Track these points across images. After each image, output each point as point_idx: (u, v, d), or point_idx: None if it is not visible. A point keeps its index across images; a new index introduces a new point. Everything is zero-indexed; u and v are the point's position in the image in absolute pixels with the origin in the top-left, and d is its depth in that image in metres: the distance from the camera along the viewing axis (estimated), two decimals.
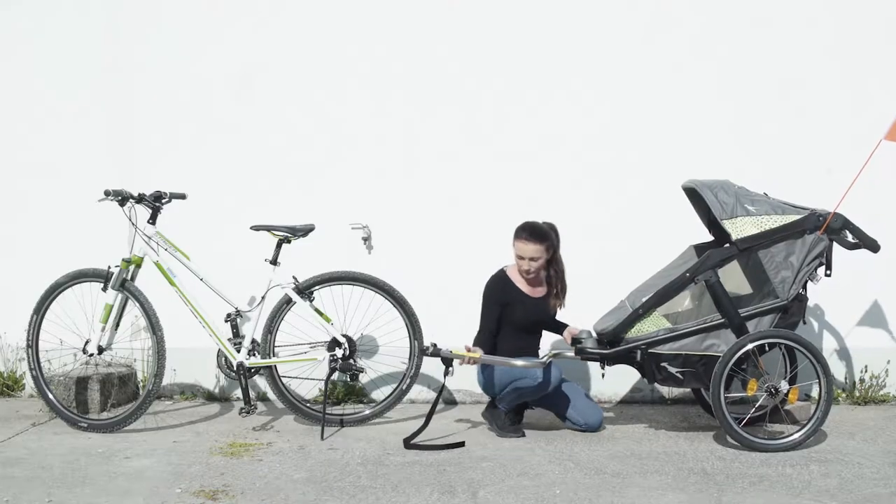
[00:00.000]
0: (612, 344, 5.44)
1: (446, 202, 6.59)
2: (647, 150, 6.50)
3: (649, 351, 5.36)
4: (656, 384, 5.85)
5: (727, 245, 5.42)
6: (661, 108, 6.50)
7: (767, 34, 6.46)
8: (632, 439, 5.52)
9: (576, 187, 6.52)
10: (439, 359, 5.44)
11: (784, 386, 5.30)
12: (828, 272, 5.39)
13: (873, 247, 5.37)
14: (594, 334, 5.55)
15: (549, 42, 6.54)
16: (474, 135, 6.58)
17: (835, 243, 5.37)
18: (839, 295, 6.35)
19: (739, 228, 5.30)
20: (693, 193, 5.64)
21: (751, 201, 5.35)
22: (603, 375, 5.57)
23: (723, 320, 5.30)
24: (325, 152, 6.66)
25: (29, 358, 5.94)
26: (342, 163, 6.64)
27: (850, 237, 5.37)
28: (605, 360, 5.47)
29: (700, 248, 5.69)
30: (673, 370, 5.37)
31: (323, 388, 5.86)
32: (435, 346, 5.47)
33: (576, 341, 5.54)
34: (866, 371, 6.40)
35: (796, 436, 5.23)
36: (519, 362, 5.45)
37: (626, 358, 5.43)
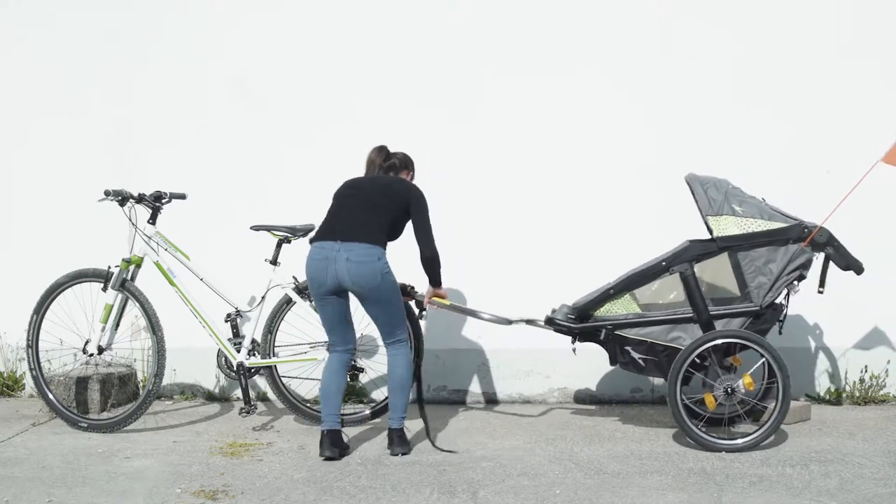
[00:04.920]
0: (581, 320, 5.48)
1: (446, 202, 6.59)
2: (659, 149, 6.50)
3: (615, 332, 5.41)
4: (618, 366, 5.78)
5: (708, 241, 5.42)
6: (672, 108, 6.51)
7: (781, 34, 6.47)
8: (632, 439, 5.52)
9: (581, 187, 6.53)
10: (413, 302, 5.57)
11: (740, 386, 5.28)
12: (820, 289, 5.41)
13: (857, 268, 5.38)
14: (568, 308, 5.59)
15: (554, 36, 6.55)
16: (476, 136, 6.59)
17: (832, 262, 5.37)
18: (840, 295, 6.35)
19: (722, 226, 5.32)
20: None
21: (739, 202, 5.35)
22: (574, 350, 5.58)
23: (691, 314, 5.32)
24: (325, 152, 6.66)
25: (29, 358, 5.93)
26: (342, 162, 6.62)
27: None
28: (574, 335, 5.51)
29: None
30: (636, 355, 5.41)
31: None
32: (413, 287, 5.55)
33: (552, 312, 5.59)
34: (866, 371, 6.40)
35: (753, 437, 5.21)
36: (486, 315, 5.54)
37: (592, 335, 5.48)
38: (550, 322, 5.54)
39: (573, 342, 5.55)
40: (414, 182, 5.44)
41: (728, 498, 4.48)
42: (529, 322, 5.63)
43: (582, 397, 6.52)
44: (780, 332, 5.54)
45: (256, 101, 6.68)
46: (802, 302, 6.34)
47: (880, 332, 6.45)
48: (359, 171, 6.54)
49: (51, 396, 5.92)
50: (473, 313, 5.63)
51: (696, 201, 5.40)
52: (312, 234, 5.39)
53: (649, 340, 5.39)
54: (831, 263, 5.41)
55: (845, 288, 6.31)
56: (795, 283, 5.36)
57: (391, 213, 5.23)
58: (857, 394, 6.37)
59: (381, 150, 5.44)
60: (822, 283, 5.42)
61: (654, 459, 5.10)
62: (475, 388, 6.57)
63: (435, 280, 5.35)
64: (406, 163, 5.47)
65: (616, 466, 4.98)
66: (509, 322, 5.61)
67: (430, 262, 5.28)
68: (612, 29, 6.54)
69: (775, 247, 5.29)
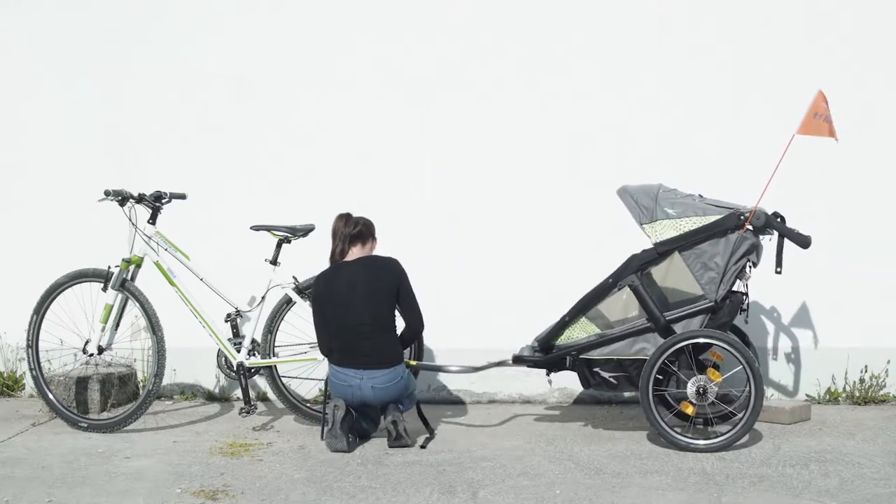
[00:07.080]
0: (545, 352, 5.52)
1: (446, 202, 6.60)
2: (659, 148, 6.49)
3: (581, 357, 5.44)
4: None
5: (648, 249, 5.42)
6: (672, 107, 6.50)
7: (781, 34, 6.47)
8: (632, 439, 5.52)
9: (581, 186, 6.53)
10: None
11: (712, 386, 5.25)
12: (778, 269, 5.37)
13: (802, 243, 5.32)
14: (533, 343, 5.62)
15: (554, 36, 6.55)
16: (476, 136, 6.59)
17: (787, 240, 5.34)
18: (840, 294, 6.36)
19: (659, 232, 5.33)
20: None
21: (671, 204, 5.35)
22: (550, 382, 5.73)
23: (650, 324, 5.33)
24: (326, 152, 6.66)
25: (29, 358, 5.94)
26: (342, 163, 6.64)
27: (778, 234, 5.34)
28: (545, 368, 5.57)
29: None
30: (606, 375, 5.44)
31: (323, 388, 5.86)
32: None
33: (519, 351, 5.65)
34: (866, 371, 6.39)
35: (724, 437, 5.21)
36: (454, 367, 5.74)
37: (560, 364, 5.51)
38: (518, 360, 5.59)
39: (548, 375, 5.62)
40: (377, 241, 5.57)
41: (728, 498, 4.48)
42: (499, 364, 5.69)
43: (582, 397, 6.51)
44: (745, 321, 5.55)
45: (256, 101, 6.68)
46: (803, 301, 6.38)
47: (880, 332, 6.43)
48: (358, 170, 6.61)
49: (51, 396, 5.93)
50: (440, 368, 5.81)
51: (630, 213, 5.41)
52: (313, 233, 5.55)
53: (615, 357, 5.40)
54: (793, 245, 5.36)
55: (846, 287, 6.33)
56: (746, 270, 5.34)
57: (391, 299, 5.41)
58: (857, 394, 6.37)
59: (347, 220, 5.48)
60: (778, 264, 5.37)
61: (654, 459, 5.10)
62: (476, 388, 6.56)
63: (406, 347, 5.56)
64: (371, 229, 5.54)
65: (616, 466, 4.98)
66: (476, 369, 5.73)
67: (418, 337, 5.62)
68: (612, 29, 6.53)
69: (716, 239, 5.28)
